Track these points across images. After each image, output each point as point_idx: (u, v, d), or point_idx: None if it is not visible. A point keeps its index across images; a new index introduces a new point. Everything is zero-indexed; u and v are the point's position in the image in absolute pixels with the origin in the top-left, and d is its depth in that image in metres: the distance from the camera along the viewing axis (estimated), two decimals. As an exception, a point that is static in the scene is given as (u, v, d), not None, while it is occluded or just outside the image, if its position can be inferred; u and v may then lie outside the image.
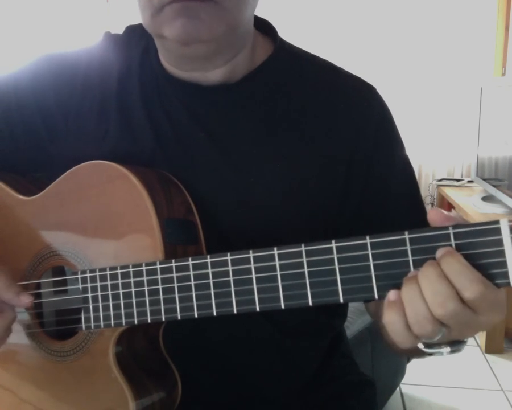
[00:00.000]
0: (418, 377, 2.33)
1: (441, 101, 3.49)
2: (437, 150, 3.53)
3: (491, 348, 2.56)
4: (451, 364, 2.47)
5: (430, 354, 0.58)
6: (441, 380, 2.35)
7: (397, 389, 2.21)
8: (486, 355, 2.55)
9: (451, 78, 3.45)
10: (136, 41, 0.82)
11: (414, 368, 2.22)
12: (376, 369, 1.65)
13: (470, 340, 2.65)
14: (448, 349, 0.56)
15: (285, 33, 0.84)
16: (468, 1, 3.39)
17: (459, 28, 3.41)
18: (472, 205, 2.66)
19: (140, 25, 0.83)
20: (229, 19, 0.67)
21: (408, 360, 1.97)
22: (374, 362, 1.65)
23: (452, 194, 2.99)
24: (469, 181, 3.17)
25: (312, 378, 0.89)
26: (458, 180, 3.26)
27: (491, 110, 2.75)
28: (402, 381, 2.03)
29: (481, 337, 2.62)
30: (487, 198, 2.69)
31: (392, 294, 0.53)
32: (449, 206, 3.09)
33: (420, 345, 0.57)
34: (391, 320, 0.54)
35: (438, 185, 3.30)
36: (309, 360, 0.88)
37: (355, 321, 1.67)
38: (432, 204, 3.43)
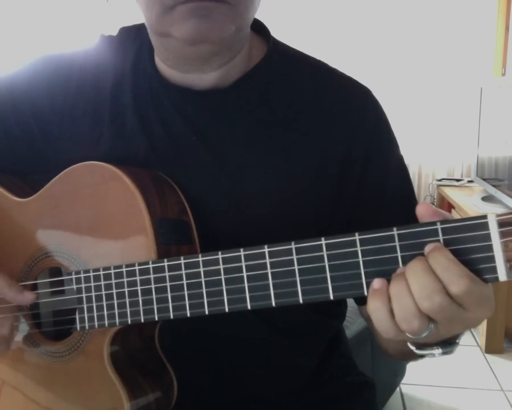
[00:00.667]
0: (418, 377, 2.33)
1: (441, 101, 3.49)
2: (437, 150, 3.53)
3: (491, 348, 2.56)
4: (451, 364, 2.47)
5: (422, 356, 0.58)
6: (441, 380, 2.35)
7: (397, 389, 2.21)
8: (486, 355, 2.55)
9: (451, 78, 3.46)
10: (130, 43, 0.82)
11: (414, 368, 2.22)
12: (376, 369, 1.65)
13: (470, 340, 2.65)
14: (440, 350, 0.56)
15: (280, 33, 0.83)
16: (468, 2, 3.39)
17: (459, 28, 3.41)
18: (472, 205, 2.66)
19: (134, 27, 0.83)
20: (239, 20, 0.66)
21: (408, 360, 1.97)
22: (374, 362, 1.65)
23: (452, 194, 2.99)
24: (469, 181, 3.17)
25: (311, 378, 0.89)
26: (458, 180, 3.26)
27: (491, 110, 2.75)
28: (402, 381, 2.04)
29: (481, 337, 2.62)
30: (487, 198, 2.69)
31: (376, 283, 0.53)
32: (449, 206, 3.09)
33: (412, 347, 0.57)
34: (374, 307, 0.53)
35: (438, 185, 3.30)
36: (308, 361, 0.88)
37: (354, 321, 1.67)
38: (432, 204, 3.42)
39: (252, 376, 0.82)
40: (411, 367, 2.07)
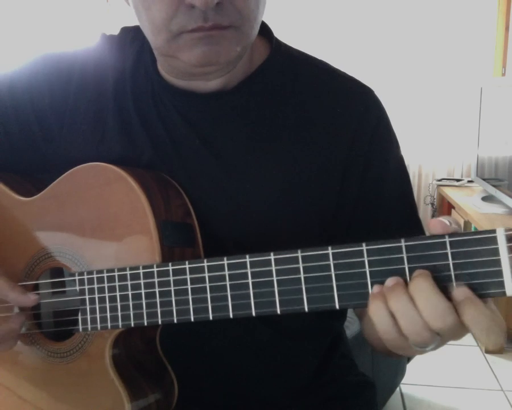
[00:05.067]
0: (418, 377, 2.33)
1: (441, 101, 3.48)
2: (437, 150, 3.53)
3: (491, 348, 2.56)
4: (451, 364, 2.47)
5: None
6: (441, 380, 2.35)
7: (397, 389, 2.21)
8: (486, 355, 2.55)
9: (451, 78, 3.45)
10: (130, 43, 0.81)
11: (414, 368, 2.22)
12: (376, 369, 1.65)
13: (470, 340, 2.65)
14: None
15: (282, 34, 0.83)
16: (468, 2, 3.39)
17: (459, 28, 3.41)
18: (472, 205, 2.66)
19: (135, 27, 0.82)
20: (244, 41, 0.67)
21: (408, 360, 1.97)
22: (374, 362, 1.66)
23: (452, 194, 2.99)
24: (469, 181, 3.17)
25: (311, 379, 0.89)
26: (458, 180, 3.26)
27: (491, 110, 2.75)
28: (402, 381, 2.04)
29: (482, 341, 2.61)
30: (487, 198, 2.69)
31: (375, 288, 0.53)
32: (449, 206, 3.09)
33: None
34: (374, 308, 0.53)
35: (438, 185, 3.30)
36: (309, 361, 0.88)
37: (355, 321, 1.67)
38: (432, 204, 3.43)
39: (253, 377, 0.82)
40: (411, 366, 2.07)
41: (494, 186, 2.59)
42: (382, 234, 0.54)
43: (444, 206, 3.32)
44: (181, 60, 0.66)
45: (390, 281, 0.52)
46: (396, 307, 0.51)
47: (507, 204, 2.40)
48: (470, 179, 3.15)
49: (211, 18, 0.62)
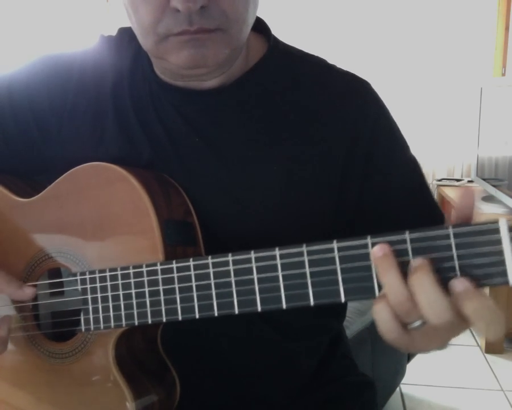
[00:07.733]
0: (418, 377, 2.33)
1: (441, 101, 3.49)
2: (437, 150, 3.54)
3: (491, 348, 2.56)
4: (451, 364, 2.47)
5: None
6: (441, 380, 2.35)
7: (397, 389, 2.21)
8: (486, 355, 2.55)
9: (451, 78, 3.46)
10: (128, 43, 0.82)
11: (414, 368, 2.22)
12: (376, 369, 1.65)
13: (470, 340, 2.65)
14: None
15: (280, 31, 0.83)
16: (468, 2, 3.39)
17: (459, 28, 3.42)
18: (472, 205, 2.65)
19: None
20: (233, 43, 0.67)
21: (408, 360, 1.97)
22: (374, 362, 1.65)
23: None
24: (469, 181, 3.17)
25: (311, 379, 0.89)
26: (458, 180, 3.26)
27: (491, 110, 2.75)
28: (402, 381, 2.03)
29: (481, 337, 2.62)
30: (487, 198, 2.69)
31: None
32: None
33: None
34: (377, 308, 0.53)
35: (438, 185, 3.30)
36: (308, 361, 0.88)
37: (355, 321, 1.67)
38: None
39: (253, 376, 0.82)
40: (411, 366, 2.07)
41: (494, 186, 2.60)
42: (396, 225, 0.54)
43: (444, 206, 3.32)
44: (170, 62, 0.67)
45: (377, 250, 0.53)
46: (385, 280, 0.52)
47: (507, 204, 2.40)
48: (470, 179, 3.15)
49: (196, 22, 0.62)
